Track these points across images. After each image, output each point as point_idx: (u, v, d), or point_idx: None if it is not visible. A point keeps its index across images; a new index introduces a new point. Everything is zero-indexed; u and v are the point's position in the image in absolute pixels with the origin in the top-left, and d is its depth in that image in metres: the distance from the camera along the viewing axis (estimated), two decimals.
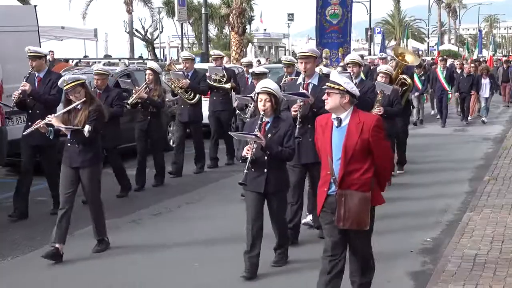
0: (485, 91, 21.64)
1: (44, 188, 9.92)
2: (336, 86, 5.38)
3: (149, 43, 50.89)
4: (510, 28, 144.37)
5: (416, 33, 79.56)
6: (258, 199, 6.72)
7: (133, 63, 16.67)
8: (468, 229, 8.18)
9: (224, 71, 13.39)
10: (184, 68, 12.60)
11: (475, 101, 22.17)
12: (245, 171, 6.56)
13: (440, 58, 24.86)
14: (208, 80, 12.95)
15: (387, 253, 7.61)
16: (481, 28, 65.36)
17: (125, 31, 44.12)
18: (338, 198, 5.35)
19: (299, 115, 7.40)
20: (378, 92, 10.22)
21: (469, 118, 21.43)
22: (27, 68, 9.28)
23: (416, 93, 19.85)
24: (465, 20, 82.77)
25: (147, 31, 50.76)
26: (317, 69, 8.32)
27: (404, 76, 12.23)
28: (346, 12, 14.67)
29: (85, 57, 22.48)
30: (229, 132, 7.09)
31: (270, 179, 6.65)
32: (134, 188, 10.94)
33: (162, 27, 52.14)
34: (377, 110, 10.03)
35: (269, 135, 6.61)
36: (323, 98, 5.52)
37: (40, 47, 11.58)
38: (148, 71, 11.35)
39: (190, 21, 50.57)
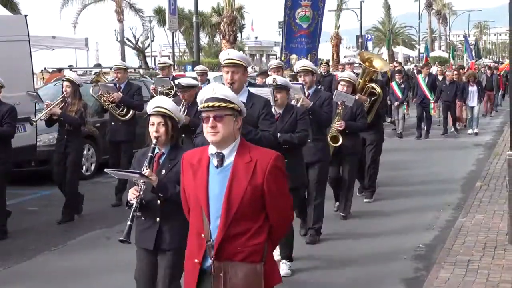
0: (473, 100, 19.91)
1: (37, 198, 9.89)
2: (226, 104, 3.67)
3: (140, 52, 50.85)
4: (500, 35, 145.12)
5: (406, 40, 79.83)
6: (149, 259, 4.98)
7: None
8: (461, 235, 8.18)
9: (173, 83, 11.47)
10: (116, 79, 11.03)
11: (461, 111, 20.83)
12: (128, 222, 4.72)
13: (421, 65, 24.03)
14: (154, 94, 11.44)
15: (380, 259, 7.63)
16: (466, 33, 64.93)
17: (116, 40, 44.05)
18: (215, 273, 3.63)
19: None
20: (339, 103, 8.88)
21: (458, 126, 20.22)
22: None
23: (396, 103, 18.94)
24: (455, 27, 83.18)
25: (138, 40, 50.71)
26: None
27: (373, 85, 10.55)
28: (317, 15, 13.58)
29: (70, 66, 22.46)
30: (106, 170, 5.01)
31: (163, 232, 4.88)
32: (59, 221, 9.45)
33: (153, 36, 52.12)
34: (338, 124, 8.88)
35: (163, 172, 4.87)
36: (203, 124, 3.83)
37: (31, 56, 11.57)
38: (65, 83, 9.60)
39: (181, 29, 50.56)
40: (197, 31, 24.87)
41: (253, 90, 6.62)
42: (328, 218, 8.76)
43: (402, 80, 19.15)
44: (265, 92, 6.71)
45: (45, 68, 20.16)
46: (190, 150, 4.07)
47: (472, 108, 19.87)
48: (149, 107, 4.91)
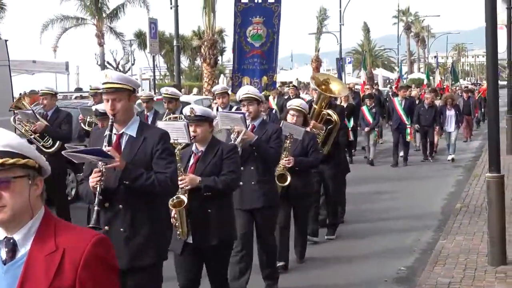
0: (450, 125, 18.47)
1: None
2: (15, 160, 2.38)
3: None
4: (477, 57, 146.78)
5: (386, 62, 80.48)
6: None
7: None
8: (442, 257, 8.23)
9: None
10: (42, 106, 9.93)
11: (438, 136, 19.27)
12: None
13: (399, 87, 22.49)
14: (82, 124, 10.09)
15: (361, 282, 7.65)
16: (437, 55, 65.13)
17: (97, 63, 44.02)
18: None
19: (99, 188, 4.45)
20: (288, 136, 7.54)
21: (433, 154, 18.73)
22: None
23: (366, 128, 17.68)
24: (434, 49, 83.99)
25: (118, 63, 50.71)
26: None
27: (329, 112, 9.30)
28: (272, 33, 12.17)
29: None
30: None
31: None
32: None
33: (134, 59, 52.17)
34: (285, 161, 7.58)
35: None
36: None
37: (11, 81, 11.55)
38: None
39: (162, 53, 50.64)
40: (178, 54, 24.90)
41: (162, 124, 6.28)
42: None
43: (373, 104, 18.12)
44: (178, 127, 6.05)
45: (25, 92, 20.10)
46: None
47: (450, 133, 18.49)
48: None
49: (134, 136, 4.67)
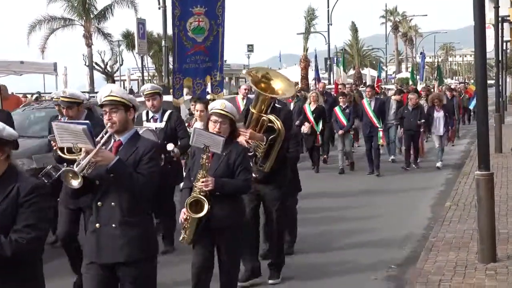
0: (439, 127, 16.70)
1: None
2: None
3: (109, 76, 50.66)
4: (465, 56, 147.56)
5: (374, 62, 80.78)
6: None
7: (94, 96, 16.55)
8: (432, 255, 8.25)
9: None
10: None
11: (423, 139, 18.26)
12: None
13: (367, 85, 20.94)
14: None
15: (351, 281, 7.66)
16: (422, 50, 64.36)
17: (85, 64, 43.92)
18: None
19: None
20: (204, 148, 5.74)
21: (418, 159, 17.09)
22: None
23: (340, 131, 16.00)
24: (422, 49, 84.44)
25: (107, 64, 50.59)
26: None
27: (271, 117, 7.12)
28: (215, 25, 10.41)
29: (38, 93, 22.14)
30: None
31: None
32: None
33: (122, 60, 52.06)
34: (202, 183, 5.74)
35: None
36: None
37: None
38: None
39: (150, 53, 50.54)
40: (166, 55, 24.88)
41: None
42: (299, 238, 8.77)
43: (346, 104, 16.23)
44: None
45: (12, 93, 19.97)
46: None
47: (439, 137, 16.81)
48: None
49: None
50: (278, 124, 7.10)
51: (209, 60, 10.53)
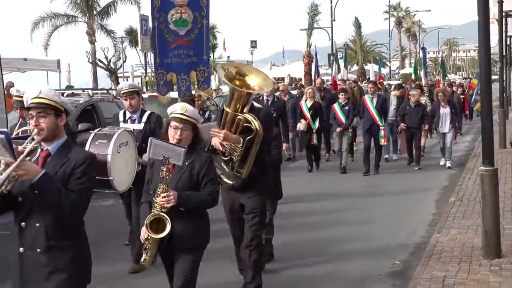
0: (445, 125, 15.82)
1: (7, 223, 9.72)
2: None
3: (113, 73, 50.66)
4: (469, 51, 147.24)
5: (377, 58, 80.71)
6: None
7: (97, 93, 16.57)
8: (436, 251, 8.24)
9: None
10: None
11: (426, 136, 17.60)
12: None
13: (369, 81, 19.88)
14: None
15: (356, 277, 7.65)
16: (423, 44, 63.35)
17: (88, 61, 43.89)
18: None
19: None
20: (163, 161, 5.07)
21: (420, 160, 16.16)
22: None
23: (338, 129, 15.40)
24: (425, 44, 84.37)
25: (110, 60, 50.55)
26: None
27: (248, 116, 6.42)
28: (199, 18, 9.82)
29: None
30: None
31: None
32: None
33: (125, 57, 51.99)
34: (163, 200, 5.05)
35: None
36: None
37: (2, 79, 11.46)
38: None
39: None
40: None
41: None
42: (304, 239, 8.76)
43: (346, 101, 15.70)
44: None
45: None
46: None
47: (444, 135, 15.93)
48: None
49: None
50: (255, 124, 6.38)
51: (194, 54, 9.89)
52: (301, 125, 15.48)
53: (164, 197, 5.02)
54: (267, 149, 7.00)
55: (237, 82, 6.57)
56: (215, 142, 6.37)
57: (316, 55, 34.88)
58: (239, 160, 6.46)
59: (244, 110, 6.49)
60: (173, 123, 5.29)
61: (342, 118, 15.43)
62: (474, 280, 7.06)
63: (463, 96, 27.91)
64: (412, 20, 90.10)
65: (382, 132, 15.29)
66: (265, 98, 13.22)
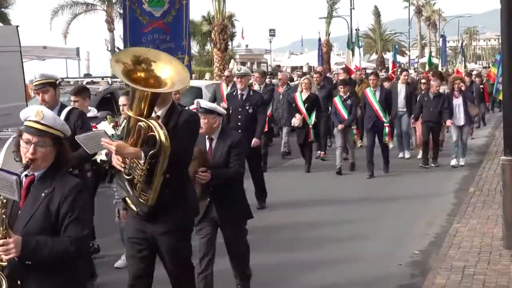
0: (459, 117, 14.10)
1: None
2: None
3: None
4: (489, 40, 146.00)
5: (397, 46, 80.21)
6: None
7: (116, 81, 16.60)
8: (456, 241, 8.20)
9: None
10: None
11: (444, 131, 15.74)
12: None
13: (371, 73, 17.53)
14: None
15: (375, 266, 7.63)
16: (443, 33, 61.82)
17: (107, 49, 44.00)
18: None
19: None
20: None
21: (437, 158, 14.50)
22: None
23: (340, 126, 13.55)
24: (445, 33, 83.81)
25: None
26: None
27: (152, 123, 4.71)
28: None
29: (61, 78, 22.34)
30: None
31: None
32: None
33: None
34: (0, 249, 3.62)
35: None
36: None
37: (23, 67, 11.55)
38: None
39: None
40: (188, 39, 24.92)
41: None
42: (322, 223, 8.75)
43: (347, 94, 13.88)
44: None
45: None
46: None
47: (459, 128, 14.24)
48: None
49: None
50: (160, 133, 4.64)
51: (171, 39, 8.65)
52: (296, 121, 13.71)
53: (1, 245, 3.49)
54: (187, 166, 5.20)
55: (140, 75, 4.77)
56: (114, 160, 4.82)
57: (320, 43, 34.65)
58: (142, 181, 4.77)
59: (159, 113, 4.91)
60: (24, 136, 3.73)
61: (344, 113, 13.66)
62: (495, 270, 7.02)
63: (483, 86, 27.39)
64: (432, 9, 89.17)
65: (386, 129, 13.48)
66: (239, 92, 10.83)
